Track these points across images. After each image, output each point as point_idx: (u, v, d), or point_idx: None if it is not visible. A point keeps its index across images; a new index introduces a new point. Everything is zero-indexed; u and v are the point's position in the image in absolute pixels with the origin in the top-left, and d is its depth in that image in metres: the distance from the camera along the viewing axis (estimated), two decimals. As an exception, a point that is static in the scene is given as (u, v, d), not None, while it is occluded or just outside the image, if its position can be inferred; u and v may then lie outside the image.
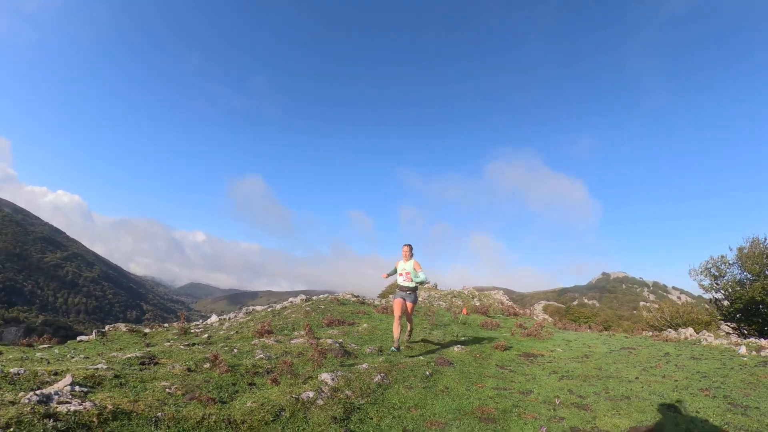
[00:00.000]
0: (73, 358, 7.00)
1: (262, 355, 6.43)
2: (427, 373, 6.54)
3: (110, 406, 3.59)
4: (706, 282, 20.12)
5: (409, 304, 9.12)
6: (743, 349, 8.87)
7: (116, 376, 4.52)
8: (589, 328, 16.75)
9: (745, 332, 17.60)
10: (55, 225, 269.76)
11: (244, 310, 13.82)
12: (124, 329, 11.18)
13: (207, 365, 5.43)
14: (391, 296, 21.87)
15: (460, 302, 18.31)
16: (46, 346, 9.58)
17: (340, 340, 8.32)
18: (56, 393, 3.71)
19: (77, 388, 3.91)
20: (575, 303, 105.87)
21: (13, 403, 3.42)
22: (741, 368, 7.03)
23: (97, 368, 4.72)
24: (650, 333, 13.51)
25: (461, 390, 5.87)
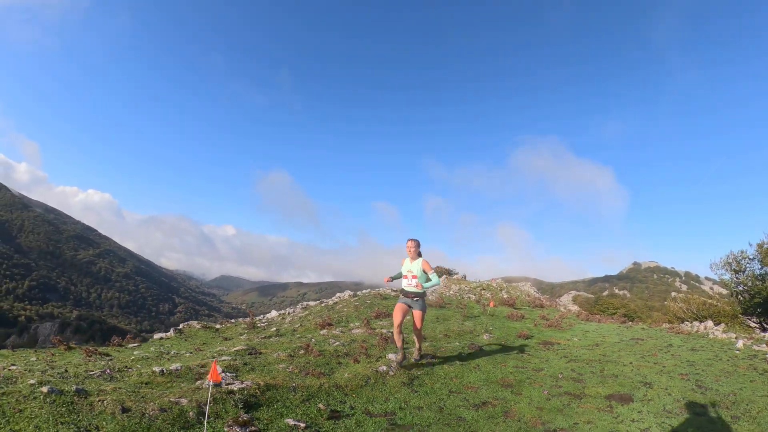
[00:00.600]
0: (178, 354, 8.43)
1: (337, 343, 8.57)
2: (463, 354, 8.46)
3: (261, 383, 5.53)
4: (727, 276, 21.23)
5: (416, 313, 7.66)
6: (740, 344, 9.78)
7: (245, 364, 6.51)
8: (612, 319, 18.20)
9: (766, 326, 18.49)
10: (86, 223, 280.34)
11: (300, 305, 15.74)
12: (198, 326, 12.40)
13: (302, 351, 7.51)
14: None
15: (488, 294, 20.01)
16: (136, 344, 10.64)
17: (389, 331, 10.20)
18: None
19: (227, 374, 5.81)
20: (605, 293, 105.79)
21: (198, 389, 5.17)
22: (728, 360, 8.29)
23: (227, 359, 6.74)
24: (667, 325, 14.83)
25: (489, 367, 7.76)
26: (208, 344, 10.01)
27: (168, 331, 11.82)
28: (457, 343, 9.45)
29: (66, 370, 5.57)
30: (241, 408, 4.69)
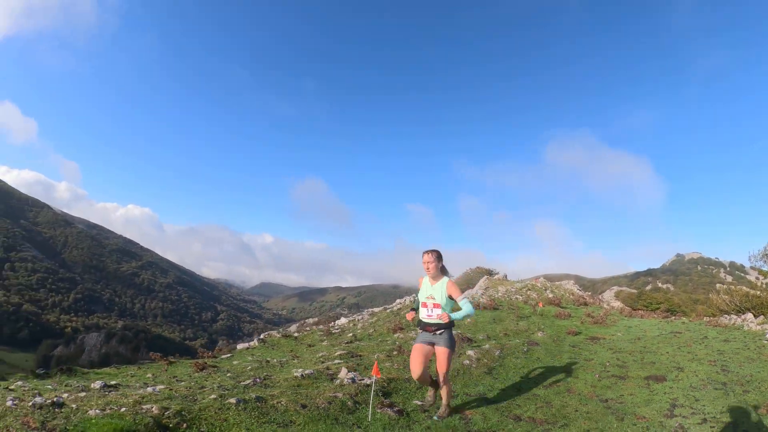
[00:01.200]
0: (283, 361, 9.62)
1: None
2: (524, 349, 10.19)
3: (384, 377, 7.27)
4: (766, 268, 22.21)
5: (440, 352, 5.69)
6: (770, 334, 10.98)
7: (358, 365, 8.25)
8: (654, 314, 19.50)
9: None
10: (128, 237, 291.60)
11: (366, 311, 17.54)
12: (278, 335, 13.49)
13: (395, 352, 9.29)
14: (471, 292, 24.57)
15: (535, 295, 21.51)
16: (228, 355, 11.28)
17: (459, 331, 11.97)
18: (350, 378, 6.86)
19: (350, 373, 7.17)
20: (648, 288, 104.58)
21: (342, 385, 6.62)
22: (755, 349, 9.55)
23: (339, 362, 8.61)
24: (707, 319, 16.08)
25: (547, 359, 9.50)
26: (296, 351, 11.26)
27: (251, 341, 13.00)
28: (517, 341, 11.17)
29: (220, 385, 6.65)
30: (380, 395, 6.55)
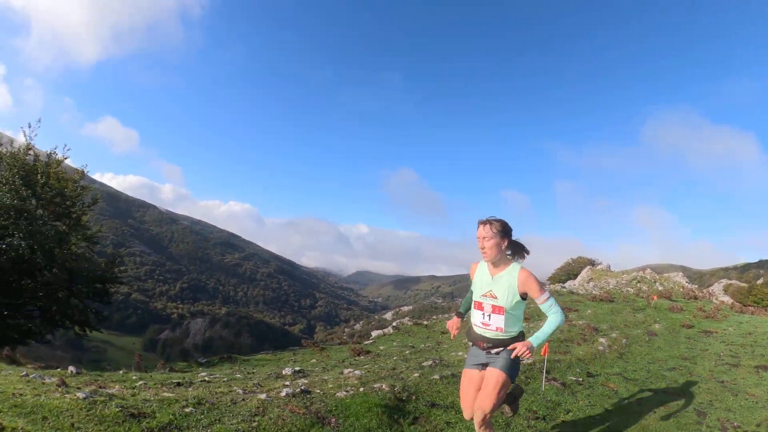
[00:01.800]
0: (436, 347, 13.32)
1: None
2: (646, 339, 12.15)
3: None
4: None
5: (490, 376, 3.70)
6: None
7: None
8: (766, 311, 20.16)
9: None
10: (231, 231, 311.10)
11: None
12: (409, 323, 14.82)
13: None
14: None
15: (645, 287, 22.80)
16: (370, 341, 12.59)
17: (584, 321, 14.03)
18: None
19: None
20: (760, 281, 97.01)
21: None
22: None
23: None
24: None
25: (668, 348, 11.43)
26: (433, 337, 12.93)
27: (385, 328, 14.39)
28: (638, 331, 13.07)
29: (406, 367, 7.75)
30: (542, 372, 8.93)
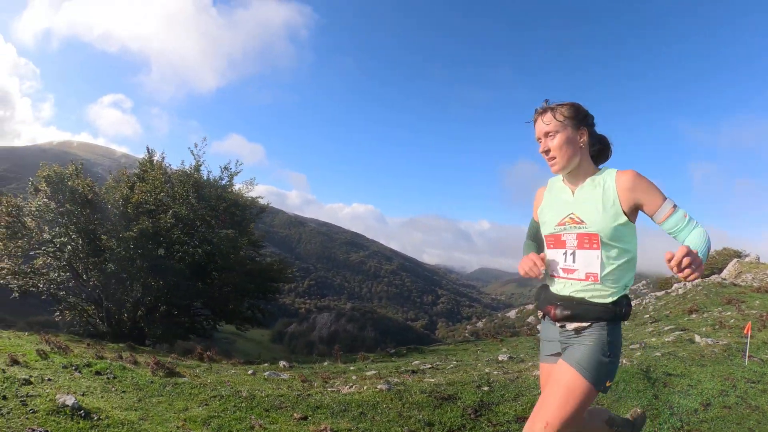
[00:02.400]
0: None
1: (732, 320, 10.20)
2: None
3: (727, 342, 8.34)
4: None
5: (562, 375, 1.97)
6: None
7: (703, 333, 8.91)
8: None
9: None
10: (355, 231, 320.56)
11: (650, 295, 17.96)
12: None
13: (717, 326, 10.39)
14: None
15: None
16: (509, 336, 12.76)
17: (756, 311, 11.41)
18: (708, 341, 7.61)
19: (705, 338, 7.89)
20: None
21: (708, 345, 7.52)
22: None
23: (682, 333, 9.99)
24: None
25: None
26: None
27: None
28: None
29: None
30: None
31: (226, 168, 17.45)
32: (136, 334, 15.36)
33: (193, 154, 17.17)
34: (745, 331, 7.40)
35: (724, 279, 20.89)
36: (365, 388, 4.59)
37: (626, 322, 3.52)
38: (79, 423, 3.04)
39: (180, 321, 17.08)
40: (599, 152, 2.17)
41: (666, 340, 8.90)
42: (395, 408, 4.02)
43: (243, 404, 4.00)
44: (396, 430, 3.62)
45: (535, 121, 2.11)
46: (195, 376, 5.46)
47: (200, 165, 17.19)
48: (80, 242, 15.18)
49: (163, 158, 17.48)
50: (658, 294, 18.39)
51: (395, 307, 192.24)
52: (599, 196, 1.98)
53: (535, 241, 2.42)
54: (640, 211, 1.98)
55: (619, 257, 1.97)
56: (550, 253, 2.15)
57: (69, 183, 15.10)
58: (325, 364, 9.02)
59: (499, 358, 7.90)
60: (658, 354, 6.89)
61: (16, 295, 15.84)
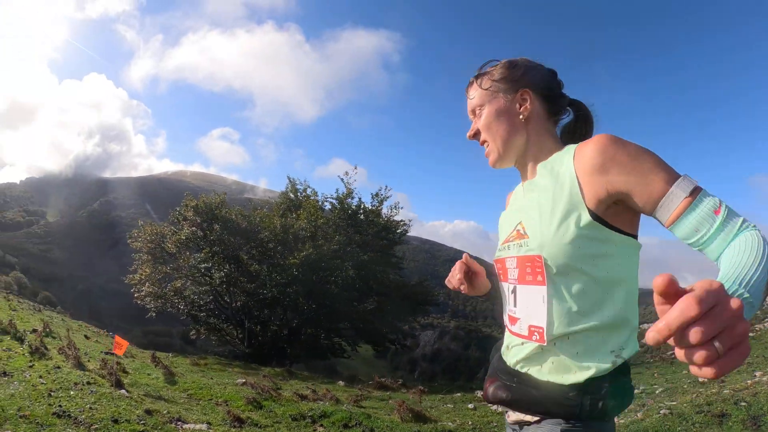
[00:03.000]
0: None
1: None
2: None
3: None
4: None
5: None
6: None
7: None
8: None
9: None
10: (457, 248, 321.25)
11: None
12: None
13: None
14: None
15: None
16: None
17: None
18: None
19: None
20: None
21: None
22: None
23: None
24: None
25: None
26: None
27: None
28: None
29: None
30: None
31: (376, 195, 18.08)
32: (275, 354, 15.84)
33: (344, 183, 17.67)
34: None
35: None
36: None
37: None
38: None
39: (323, 342, 17.40)
40: (575, 126, 1.29)
41: None
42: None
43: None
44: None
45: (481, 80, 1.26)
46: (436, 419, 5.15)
47: (351, 192, 17.67)
48: (227, 268, 15.83)
49: (307, 187, 18.48)
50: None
51: (499, 326, 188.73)
52: (548, 191, 1.11)
53: None
54: (630, 207, 1.02)
55: (587, 297, 1.03)
56: (504, 285, 1.28)
57: (220, 212, 15.86)
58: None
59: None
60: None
61: (153, 315, 16.66)
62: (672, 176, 0.93)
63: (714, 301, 0.55)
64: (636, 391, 6.77)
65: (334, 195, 17.58)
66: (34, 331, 8.75)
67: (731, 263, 0.78)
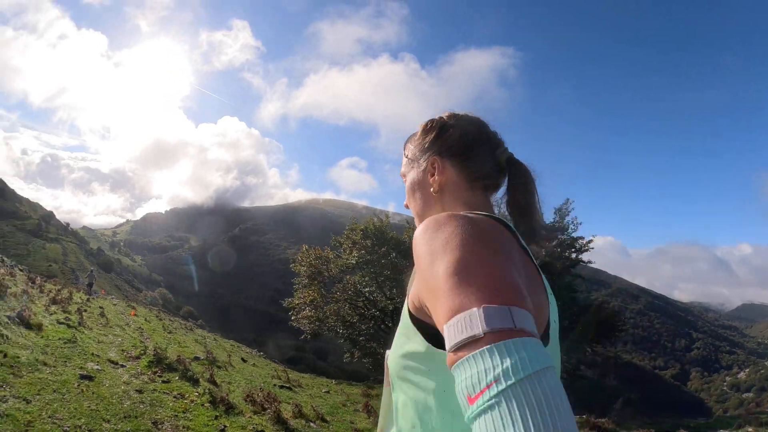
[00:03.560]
0: None
1: None
2: None
3: None
4: None
5: None
6: None
7: None
8: None
9: None
10: (595, 266, 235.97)
11: None
12: None
13: None
14: None
15: None
16: None
17: None
18: None
19: None
20: None
21: None
22: None
23: None
24: None
25: None
26: None
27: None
28: None
29: None
30: None
31: (559, 210, 16.98)
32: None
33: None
34: None
35: None
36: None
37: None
38: None
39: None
40: (511, 196, 0.95)
41: None
42: None
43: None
44: None
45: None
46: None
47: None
48: (394, 291, 15.71)
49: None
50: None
51: (641, 353, 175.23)
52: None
53: None
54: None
55: (407, 411, 0.82)
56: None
57: (388, 234, 15.55)
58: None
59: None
60: None
61: (307, 336, 17.21)
62: (455, 305, 0.58)
63: None
64: None
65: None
66: (196, 358, 8.80)
67: None
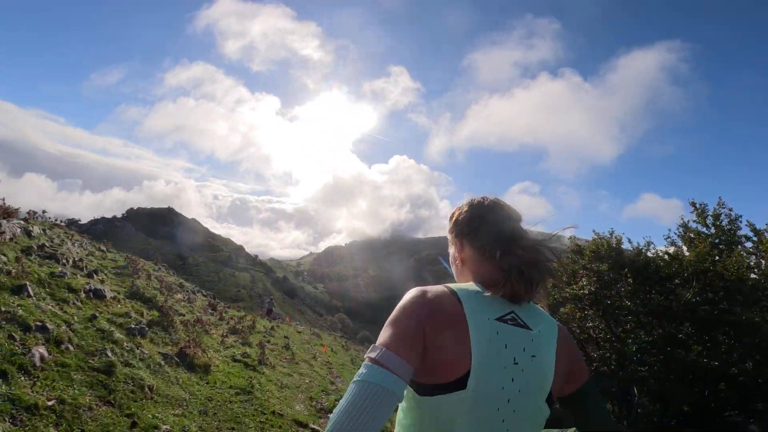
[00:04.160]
0: None
1: None
2: None
3: None
4: None
5: None
6: None
7: None
8: None
9: None
10: None
11: None
12: None
13: None
14: None
15: None
16: None
17: None
18: None
19: None
20: None
21: None
22: None
23: None
24: None
25: None
26: None
27: None
28: None
29: None
30: None
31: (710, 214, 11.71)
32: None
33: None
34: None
35: None
36: None
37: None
38: None
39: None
40: (523, 272, 1.12)
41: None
42: None
43: None
44: None
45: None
46: None
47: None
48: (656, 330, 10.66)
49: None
50: None
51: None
52: None
53: None
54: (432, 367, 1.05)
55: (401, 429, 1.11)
56: None
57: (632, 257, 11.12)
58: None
59: None
60: None
61: None
62: (378, 339, 1.03)
63: None
64: None
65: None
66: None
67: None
